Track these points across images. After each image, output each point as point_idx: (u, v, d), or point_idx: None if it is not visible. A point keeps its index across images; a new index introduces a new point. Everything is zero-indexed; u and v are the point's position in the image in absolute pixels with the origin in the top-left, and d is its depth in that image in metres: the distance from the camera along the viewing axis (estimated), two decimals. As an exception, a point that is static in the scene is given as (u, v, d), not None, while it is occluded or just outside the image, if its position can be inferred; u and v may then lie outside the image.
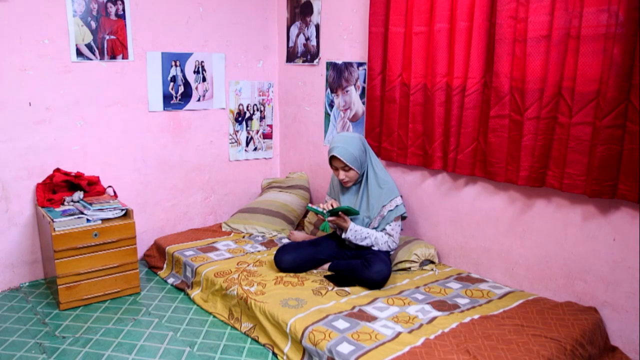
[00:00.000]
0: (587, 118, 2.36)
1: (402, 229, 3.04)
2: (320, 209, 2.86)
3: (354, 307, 2.55)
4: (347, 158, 2.83)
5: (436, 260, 3.12)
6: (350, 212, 2.89)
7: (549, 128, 2.50)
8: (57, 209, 3.02)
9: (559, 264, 2.64)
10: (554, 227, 2.64)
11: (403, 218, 2.98)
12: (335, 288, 2.77)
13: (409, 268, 3.03)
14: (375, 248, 2.91)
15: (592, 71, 2.31)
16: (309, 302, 2.59)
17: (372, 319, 2.44)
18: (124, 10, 3.33)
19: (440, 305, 2.57)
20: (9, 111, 3.05)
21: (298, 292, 2.70)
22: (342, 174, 2.90)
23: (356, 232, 2.88)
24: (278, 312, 2.51)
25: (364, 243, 2.89)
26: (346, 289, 2.76)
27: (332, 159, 2.89)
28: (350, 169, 2.86)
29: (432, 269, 3.04)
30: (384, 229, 2.91)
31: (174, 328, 2.74)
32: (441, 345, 2.22)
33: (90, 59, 3.27)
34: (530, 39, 2.48)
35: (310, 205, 2.99)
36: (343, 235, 2.91)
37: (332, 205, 2.87)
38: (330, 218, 2.86)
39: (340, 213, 2.86)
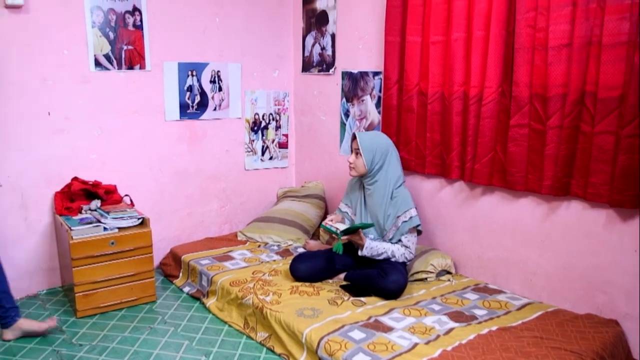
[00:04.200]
0: (609, 127, 2.33)
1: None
2: (334, 229, 2.85)
3: (370, 318, 2.53)
4: (363, 144, 2.89)
5: (453, 271, 3.08)
6: (364, 227, 2.88)
7: (571, 137, 2.48)
8: (74, 217, 3.05)
9: (579, 275, 2.60)
10: (574, 237, 2.60)
11: (419, 233, 2.96)
12: (351, 298, 2.75)
13: (426, 278, 3.00)
14: (392, 260, 2.89)
15: (614, 79, 2.29)
16: (325, 312, 2.57)
17: (388, 329, 2.42)
18: (141, 21, 3.36)
19: (457, 317, 2.54)
20: (29, 121, 3.09)
21: (314, 302, 2.69)
22: (352, 157, 2.96)
23: (372, 249, 2.87)
24: (293, 322, 2.49)
25: (380, 258, 2.88)
26: (362, 299, 2.75)
27: (353, 139, 2.97)
28: (360, 155, 2.89)
29: (449, 280, 3.01)
30: (400, 240, 2.90)
31: (190, 337, 2.73)
32: (458, 357, 2.19)
33: (108, 69, 3.30)
34: (552, 47, 2.47)
35: (323, 223, 2.96)
36: (360, 253, 2.90)
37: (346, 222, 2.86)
38: (345, 237, 2.85)
39: (357, 230, 2.84)
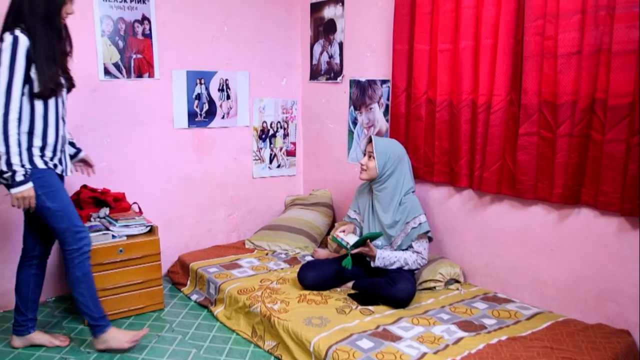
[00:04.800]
0: (620, 135, 2.32)
1: None
2: (345, 243, 2.85)
3: (378, 327, 2.51)
4: (377, 146, 2.91)
5: (462, 280, 3.06)
6: (373, 237, 2.86)
7: (582, 145, 2.47)
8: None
9: (590, 285, 2.57)
10: (584, 246, 2.58)
11: (429, 239, 2.95)
12: (359, 307, 2.74)
13: (434, 287, 2.98)
14: (406, 268, 2.88)
15: (624, 87, 2.28)
16: (333, 321, 2.56)
17: (396, 338, 2.40)
18: (150, 30, 3.39)
19: (466, 326, 2.52)
20: (39, 128, 3.11)
21: (322, 311, 2.68)
22: (364, 159, 2.96)
23: (384, 259, 2.86)
24: (301, 331, 2.48)
25: (393, 267, 2.87)
26: (370, 307, 2.73)
27: (368, 142, 2.98)
28: (374, 158, 2.90)
29: (458, 289, 2.99)
30: (411, 246, 2.89)
31: (197, 345, 2.73)
32: (468, 367, 2.17)
33: (118, 78, 3.32)
34: (561, 55, 2.46)
35: (335, 235, 2.95)
36: (373, 265, 2.88)
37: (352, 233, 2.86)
38: (355, 251, 2.83)
39: (366, 241, 2.84)
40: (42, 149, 2.39)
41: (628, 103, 2.28)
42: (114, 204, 3.24)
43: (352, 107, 3.70)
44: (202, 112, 3.69)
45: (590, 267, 2.56)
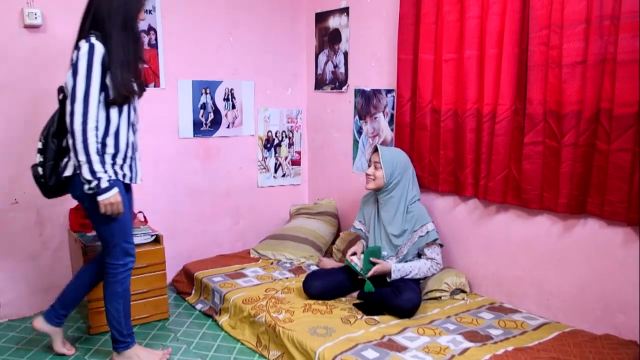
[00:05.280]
0: (626, 144, 2.31)
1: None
2: (359, 269, 2.87)
3: (383, 337, 2.50)
4: (385, 157, 2.92)
5: (467, 290, 3.05)
6: (373, 252, 2.89)
7: (587, 155, 2.46)
8: (89, 234, 3.06)
9: (597, 295, 2.56)
10: (591, 256, 2.56)
11: (440, 246, 2.96)
12: (365, 316, 2.73)
13: (440, 297, 2.96)
14: (422, 276, 2.90)
15: (630, 96, 2.27)
16: (338, 331, 2.55)
17: (402, 349, 2.39)
18: (156, 39, 3.41)
19: (472, 336, 2.51)
20: (45, 138, 3.13)
21: (327, 320, 2.67)
22: (371, 169, 2.97)
23: (399, 272, 2.87)
24: (306, 340, 2.47)
25: (409, 277, 2.88)
26: (375, 317, 2.72)
27: (373, 152, 2.99)
28: (380, 168, 2.91)
29: (464, 298, 2.97)
30: (424, 254, 2.91)
31: (202, 355, 2.72)
32: (475, 378, 2.16)
33: (124, 87, 3.34)
34: (565, 64, 2.46)
35: (348, 260, 2.92)
36: (389, 279, 2.88)
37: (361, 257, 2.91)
38: (370, 273, 2.84)
39: (375, 260, 2.87)
40: (114, 156, 2.38)
41: (634, 112, 2.27)
42: (119, 213, 3.24)
43: (357, 117, 3.71)
44: (208, 122, 3.70)
45: (597, 277, 2.55)
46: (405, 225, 2.91)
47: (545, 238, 2.74)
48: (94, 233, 3.07)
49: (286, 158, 4.14)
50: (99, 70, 2.23)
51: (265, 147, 4.01)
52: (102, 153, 2.32)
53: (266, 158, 4.03)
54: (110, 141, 2.35)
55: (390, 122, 3.45)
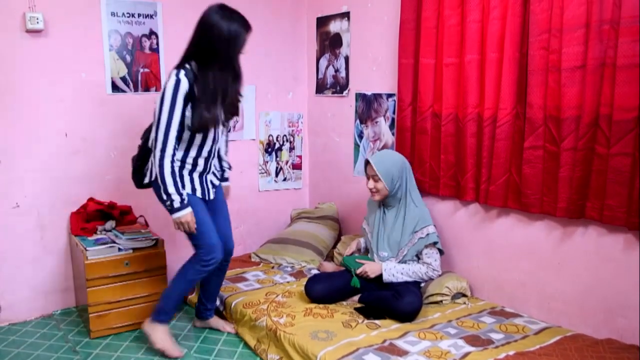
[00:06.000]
0: (626, 149, 2.30)
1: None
2: (350, 267, 2.99)
3: (384, 341, 2.50)
4: (379, 168, 2.89)
5: (468, 294, 3.04)
6: (359, 264, 2.99)
7: (586, 159, 2.45)
8: (90, 238, 3.06)
9: (598, 299, 2.55)
10: (592, 260, 2.56)
11: (441, 252, 2.96)
12: (366, 321, 2.72)
13: (441, 301, 2.96)
14: (415, 280, 2.89)
15: (629, 101, 2.27)
16: (339, 335, 2.54)
17: (403, 353, 2.39)
18: (157, 44, 3.42)
19: (473, 340, 2.50)
20: (46, 142, 3.14)
21: (328, 324, 2.67)
22: (371, 183, 2.96)
23: (391, 270, 2.88)
24: (307, 345, 2.47)
25: (402, 280, 2.88)
26: (376, 321, 2.72)
27: (366, 165, 2.96)
28: (380, 180, 2.89)
29: (465, 303, 2.97)
30: (420, 258, 2.90)
31: (203, 359, 2.72)
32: (476, 382, 2.15)
33: (125, 92, 3.35)
34: (565, 69, 2.46)
35: (345, 259, 3.09)
36: (384, 280, 2.90)
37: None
38: (359, 271, 2.92)
39: (361, 261, 2.97)
40: (190, 172, 2.65)
41: (634, 117, 2.27)
42: (120, 217, 3.25)
43: (358, 121, 3.71)
44: (209, 126, 3.70)
45: (598, 281, 2.54)
46: (408, 227, 2.91)
47: (546, 242, 2.74)
48: (95, 237, 3.08)
49: (287, 162, 4.14)
50: (182, 104, 2.44)
51: (266, 151, 4.01)
52: (181, 170, 2.59)
53: (267, 162, 4.03)
54: (189, 161, 2.61)
55: (391, 127, 3.45)
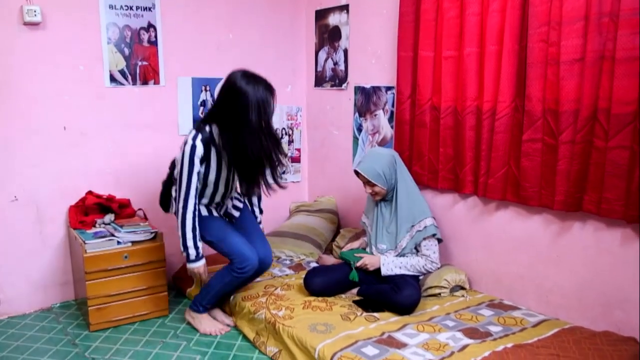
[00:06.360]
0: (624, 142, 2.30)
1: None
2: (349, 260, 3.00)
3: (383, 333, 2.50)
4: (369, 174, 2.89)
5: (467, 286, 3.05)
6: (356, 257, 3.01)
7: (584, 152, 2.45)
8: (88, 231, 3.07)
9: (596, 292, 2.56)
10: (590, 253, 2.56)
11: (439, 241, 2.96)
12: (364, 313, 2.73)
13: (439, 294, 2.97)
14: (414, 273, 2.90)
15: (628, 93, 2.26)
16: (338, 328, 2.55)
17: (402, 345, 2.39)
18: (156, 37, 3.41)
19: (472, 333, 2.51)
20: (45, 135, 3.14)
21: (327, 317, 2.67)
22: (368, 188, 2.95)
23: (389, 265, 2.89)
24: (306, 337, 2.48)
25: (399, 272, 2.88)
26: (375, 314, 2.72)
27: (357, 173, 2.95)
28: (375, 184, 2.88)
29: (463, 295, 2.97)
30: (420, 250, 2.91)
31: (202, 352, 2.72)
32: (474, 375, 2.16)
33: (123, 85, 3.34)
34: (563, 62, 2.45)
35: (343, 252, 3.10)
36: (382, 273, 2.90)
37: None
38: (359, 264, 2.93)
39: (360, 255, 2.98)
40: (208, 205, 2.87)
41: (632, 111, 2.26)
42: (119, 210, 3.25)
43: (357, 114, 3.71)
44: (207, 119, 3.70)
45: (596, 274, 2.55)
46: (407, 219, 2.91)
47: (544, 235, 2.74)
48: (93, 230, 3.08)
49: (286, 155, 4.13)
50: (198, 165, 2.64)
51: (265, 144, 4.00)
52: (198, 201, 2.76)
53: (266, 155, 4.02)
54: (207, 194, 2.81)
55: (390, 120, 3.45)
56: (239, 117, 2.56)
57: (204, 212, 2.83)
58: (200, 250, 2.76)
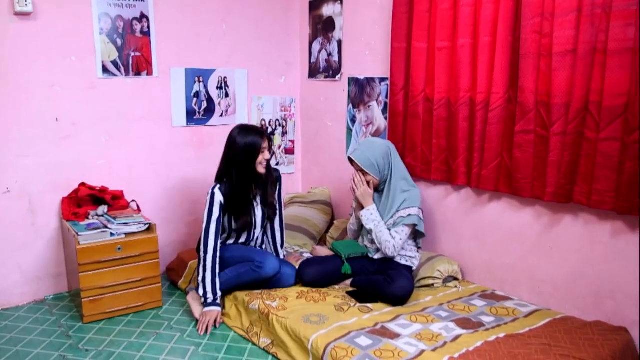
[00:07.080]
0: (615, 134, 2.31)
1: (419, 248, 3.01)
2: (340, 252, 3.04)
3: (376, 324, 2.52)
4: (362, 162, 2.89)
5: (460, 277, 3.07)
6: (355, 246, 3.07)
7: (575, 144, 2.46)
8: (82, 223, 3.06)
9: (587, 282, 2.58)
10: (582, 244, 2.58)
11: (421, 235, 2.95)
12: (358, 304, 2.74)
13: (432, 285, 2.98)
14: (378, 241, 2.90)
15: (619, 85, 2.27)
16: (331, 318, 2.56)
17: (395, 336, 2.41)
18: (149, 27, 3.39)
19: (464, 323, 2.53)
20: (37, 127, 3.12)
21: (320, 308, 2.68)
22: (362, 177, 2.95)
23: (366, 219, 2.92)
24: (300, 328, 2.49)
25: (368, 227, 2.91)
26: (368, 305, 2.74)
27: (351, 161, 2.96)
28: (367, 173, 2.89)
29: (456, 286, 2.99)
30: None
31: (196, 343, 2.73)
32: (466, 364, 2.18)
33: (116, 75, 3.32)
34: (556, 53, 2.45)
35: (334, 245, 3.14)
36: (360, 212, 2.96)
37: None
38: (358, 194, 2.96)
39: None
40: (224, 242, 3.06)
41: (623, 103, 2.27)
42: (112, 201, 3.24)
43: (350, 105, 3.70)
44: (201, 110, 3.69)
45: (588, 265, 2.57)
46: (394, 207, 2.90)
47: (537, 226, 2.75)
48: (86, 222, 3.07)
49: (280, 147, 4.13)
50: (218, 213, 2.89)
51: (258, 135, 3.99)
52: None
53: (260, 147, 4.02)
54: (232, 238, 3.04)
55: (384, 111, 3.45)
56: (236, 162, 2.88)
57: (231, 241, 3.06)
58: (219, 298, 2.85)
